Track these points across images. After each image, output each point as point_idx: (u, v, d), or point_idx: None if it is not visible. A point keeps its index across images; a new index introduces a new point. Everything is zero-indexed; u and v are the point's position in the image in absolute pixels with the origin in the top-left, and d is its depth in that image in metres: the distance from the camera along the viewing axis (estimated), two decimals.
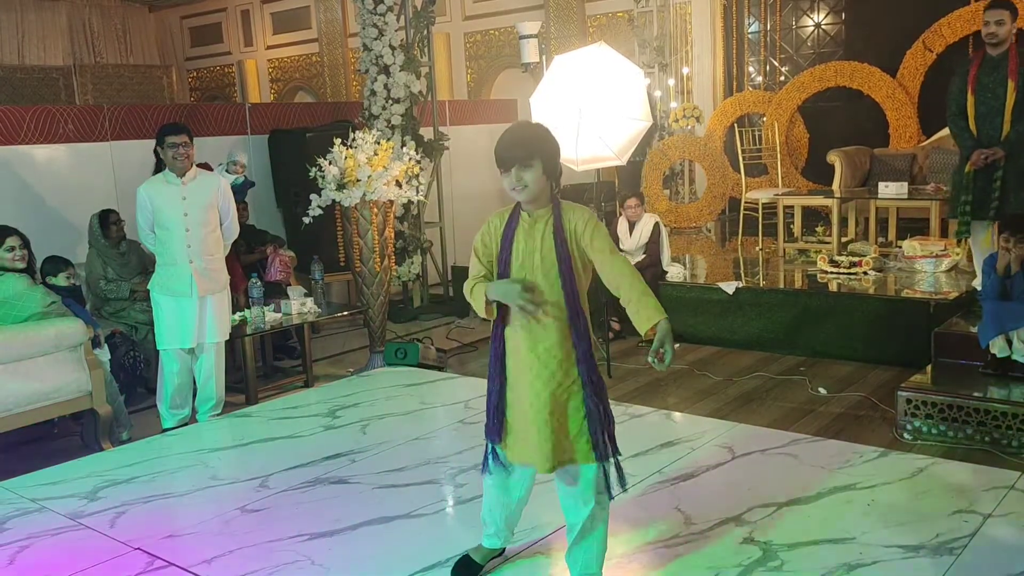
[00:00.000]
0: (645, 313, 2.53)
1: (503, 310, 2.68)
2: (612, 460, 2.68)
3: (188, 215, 4.71)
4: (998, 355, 4.34)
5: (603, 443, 2.64)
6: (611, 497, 2.73)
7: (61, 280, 4.92)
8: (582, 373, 2.63)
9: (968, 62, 5.07)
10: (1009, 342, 4.31)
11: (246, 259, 6.24)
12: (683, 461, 3.93)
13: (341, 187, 5.58)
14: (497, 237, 2.70)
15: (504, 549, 3.10)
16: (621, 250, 6.48)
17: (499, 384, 2.72)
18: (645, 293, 2.55)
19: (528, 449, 2.68)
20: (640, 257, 6.42)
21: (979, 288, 5.15)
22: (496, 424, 2.74)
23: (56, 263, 4.99)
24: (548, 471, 2.66)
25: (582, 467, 2.67)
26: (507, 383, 2.71)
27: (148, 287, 4.89)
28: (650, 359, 2.54)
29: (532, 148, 2.58)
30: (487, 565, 3.04)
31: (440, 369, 5.89)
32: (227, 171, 6.49)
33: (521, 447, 2.70)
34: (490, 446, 2.81)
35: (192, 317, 4.76)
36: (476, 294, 2.68)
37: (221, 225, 4.91)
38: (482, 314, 2.69)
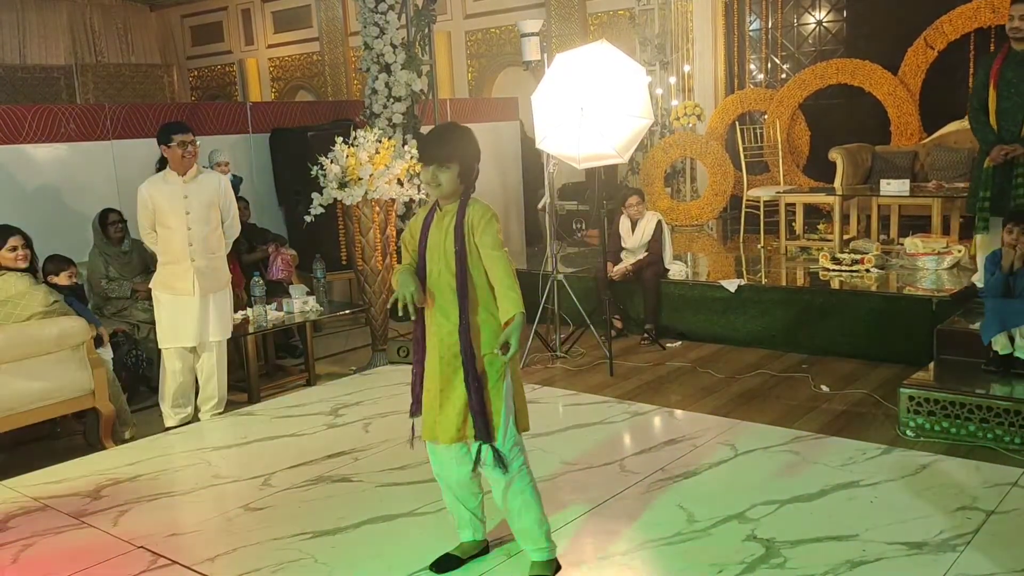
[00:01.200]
0: (505, 305, 2.73)
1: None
2: (500, 441, 2.82)
3: (190, 214, 4.71)
4: (1000, 352, 4.33)
5: (483, 428, 2.79)
6: (502, 470, 2.83)
7: (63, 279, 4.92)
8: (464, 360, 2.79)
9: (991, 56, 5.03)
10: (1011, 339, 4.30)
11: (248, 258, 6.24)
12: (685, 458, 3.94)
13: (343, 185, 5.58)
14: (418, 228, 2.92)
15: (486, 543, 3.14)
16: (623, 248, 6.52)
17: (419, 364, 2.93)
18: (510, 288, 2.74)
19: (433, 423, 2.87)
20: (642, 255, 6.42)
21: (977, 283, 5.15)
22: (418, 404, 2.94)
23: (58, 262, 4.99)
24: (447, 442, 2.84)
25: (482, 445, 2.83)
26: (425, 364, 2.91)
27: (150, 286, 4.89)
28: (496, 350, 2.73)
29: (452, 152, 2.79)
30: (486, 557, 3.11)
31: None
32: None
33: (431, 422, 2.88)
34: (413, 427, 2.99)
35: (194, 316, 4.76)
36: (393, 280, 2.95)
37: (222, 224, 4.91)
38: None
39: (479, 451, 2.83)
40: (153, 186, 4.75)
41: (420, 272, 2.87)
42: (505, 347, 2.70)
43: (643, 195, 6.69)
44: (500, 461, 2.81)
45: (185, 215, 4.71)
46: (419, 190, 5.99)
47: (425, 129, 7.65)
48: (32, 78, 13.55)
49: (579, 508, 3.48)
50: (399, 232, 6.32)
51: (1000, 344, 4.32)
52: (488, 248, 2.77)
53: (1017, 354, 4.30)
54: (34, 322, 4.46)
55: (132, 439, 4.76)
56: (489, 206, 2.86)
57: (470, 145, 2.85)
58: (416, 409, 2.96)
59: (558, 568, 2.96)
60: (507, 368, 2.83)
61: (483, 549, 3.14)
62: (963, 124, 7.18)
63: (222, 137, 7.05)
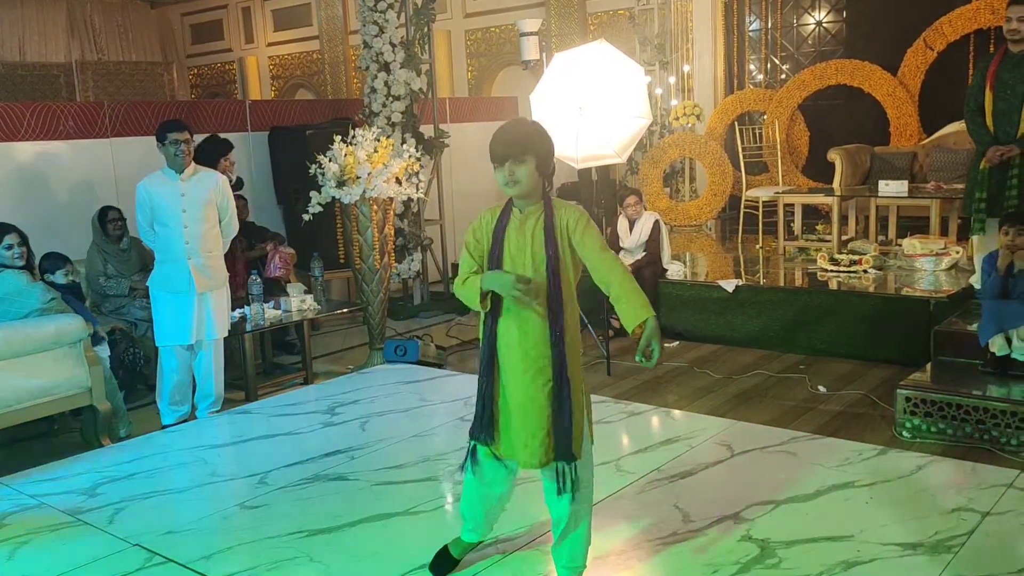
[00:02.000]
0: (633, 311, 2.55)
1: (495, 305, 2.69)
2: (583, 459, 2.69)
3: (187, 212, 4.71)
4: (997, 353, 4.33)
5: (574, 442, 2.64)
6: (580, 488, 2.71)
7: (59, 277, 4.91)
8: (555, 371, 2.64)
9: (989, 58, 5.03)
10: (1008, 340, 4.30)
11: (246, 256, 6.23)
12: (682, 458, 3.94)
13: (341, 184, 5.58)
14: (488, 233, 2.72)
15: (480, 542, 3.12)
16: (621, 248, 6.52)
17: (491, 379, 2.74)
18: (635, 291, 2.57)
19: (514, 444, 2.70)
20: (640, 255, 6.42)
21: (975, 285, 5.15)
22: (488, 419, 2.75)
23: (54, 260, 4.99)
24: (535, 467, 2.68)
25: (560, 463, 2.68)
26: (499, 378, 2.73)
27: (147, 284, 4.89)
28: (638, 358, 2.56)
29: (526, 144, 2.60)
30: (485, 556, 3.07)
31: (439, 366, 5.89)
32: None
33: (508, 441, 2.72)
34: (473, 442, 2.83)
35: (191, 314, 4.76)
36: (470, 286, 2.69)
37: (220, 222, 4.91)
38: (475, 307, 2.70)
39: (560, 471, 2.66)
40: (151, 184, 4.76)
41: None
42: (648, 353, 2.53)
43: (641, 195, 6.69)
44: (577, 481, 2.67)
45: (182, 213, 4.71)
46: (417, 189, 5.99)
47: (424, 128, 7.66)
48: (31, 75, 13.53)
49: None
50: (397, 231, 6.36)
51: (997, 345, 4.32)
52: (598, 251, 2.59)
53: (1014, 355, 4.30)
54: (31, 319, 4.46)
55: (128, 437, 4.76)
56: (582, 208, 2.72)
57: (543, 137, 2.66)
58: (487, 431, 2.74)
59: None
60: (584, 382, 2.72)
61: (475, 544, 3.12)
62: (962, 125, 7.15)
63: (221, 135, 7.04)
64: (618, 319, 6.58)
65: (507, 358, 2.69)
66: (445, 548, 3.06)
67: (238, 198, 5.15)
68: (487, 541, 3.16)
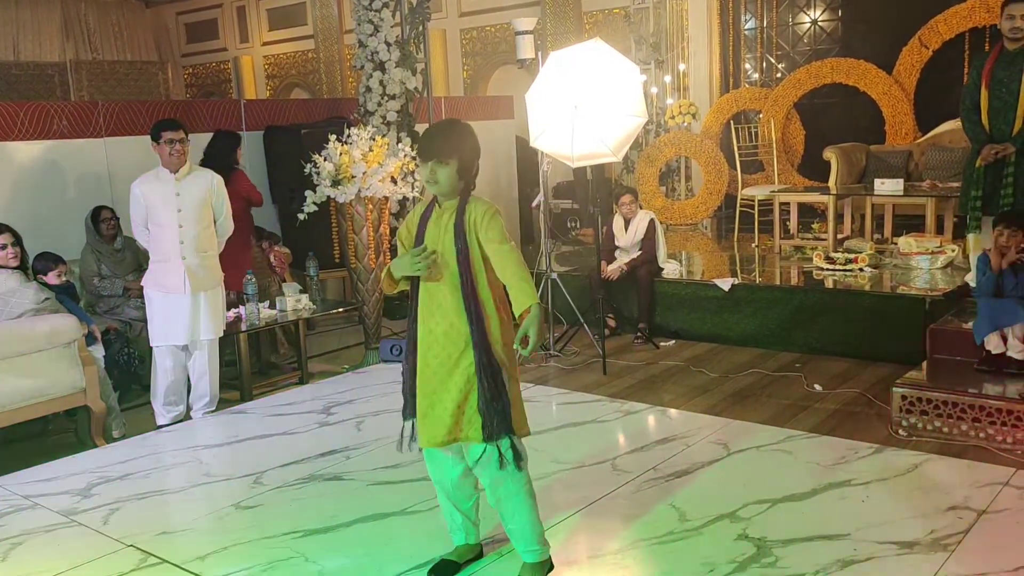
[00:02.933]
0: (519, 298, 2.67)
1: (415, 293, 2.82)
2: (506, 440, 2.75)
3: (182, 211, 4.70)
4: (993, 351, 4.34)
5: (491, 425, 2.72)
6: (501, 470, 2.76)
7: (52, 278, 4.89)
8: (476, 357, 2.72)
9: (984, 56, 5.03)
10: (1004, 338, 4.31)
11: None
12: (678, 457, 3.93)
13: (336, 183, 5.57)
14: (415, 224, 2.86)
15: (480, 547, 3.12)
16: (617, 247, 6.52)
17: (411, 366, 2.85)
18: (522, 279, 2.69)
19: (428, 427, 2.79)
20: (636, 254, 6.41)
21: (970, 283, 5.15)
22: (411, 407, 2.88)
23: (47, 261, 4.96)
24: (439, 444, 2.78)
25: (474, 447, 2.77)
26: (420, 361, 2.82)
27: (142, 283, 4.87)
28: (516, 345, 2.68)
29: (451, 148, 2.73)
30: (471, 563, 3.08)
31: None
32: None
33: (425, 427, 2.81)
34: (410, 429, 2.91)
35: (185, 314, 4.75)
36: (393, 269, 2.84)
37: (215, 222, 4.89)
38: (386, 290, 2.88)
39: (473, 450, 2.78)
40: (145, 183, 4.74)
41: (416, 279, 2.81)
42: (525, 340, 2.63)
43: (636, 194, 6.68)
44: (514, 457, 2.73)
45: (177, 213, 4.69)
46: (413, 188, 5.98)
47: (420, 128, 7.65)
48: (26, 75, 13.47)
49: (571, 507, 3.47)
50: (393, 230, 6.33)
51: (992, 343, 4.33)
52: (495, 243, 2.71)
53: (1009, 353, 4.30)
54: (25, 319, 4.45)
55: (123, 437, 4.75)
56: (491, 203, 2.81)
57: (469, 141, 2.78)
58: (410, 411, 2.89)
59: (551, 568, 2.94)
60: (514, 367, 2.78)
61: (478, 553, 3.12)
62: (957, 124, 7.15)
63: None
64: (614, 318, 6.60)
65: (423, 346, 2.79)
66: (442, 558, 3.06)
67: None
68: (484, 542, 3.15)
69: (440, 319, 2.76)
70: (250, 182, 5.91)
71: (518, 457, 2.76)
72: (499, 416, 2.72)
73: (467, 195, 2.79)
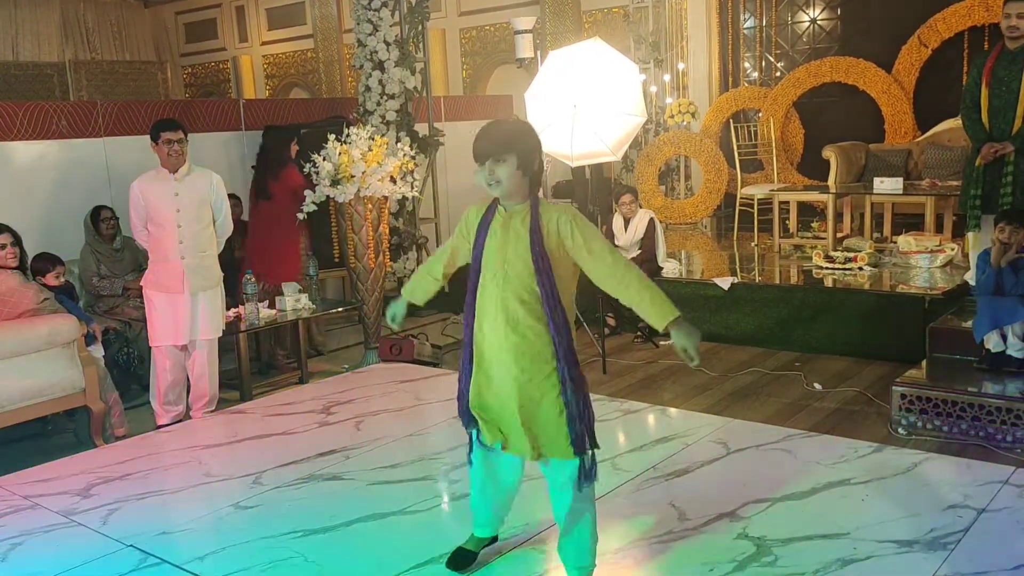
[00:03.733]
0: (659, 311, 2.58)
1: (472, 300, 2.72)
2: (589, 453, 2.67)
3: (181, 211, 4.70)
4: (992, 350, 4.34)
5: (581, 437, 2.63)
6: (585, 485, 2.68)
7: (50, 279, 4.88)
8: (560, 370, 2.62)
9: (985, 55, 5.03)
10: (1004, 337, 4.31)
11: (240, 255, 6.21)
12: (677, 456, 3.93)
13: (335, 183, 5.56)
14: (473, 228, 2.71)
15: (496, 537, 3.12)
16: (617, 246, 6.51)
17: (469, 372, 2.77)
18: (655, 291, 2.58)
19: (510, 437, 2.71)
20: (635, 253, 6.41)
21: (970, 281, 5.15)
22: (469, 412, 2.79)
23: (45, 262, 4.95)
24: (532, 459, 2.68)
25: (561, 461, 2.67)
26: (483, 372, 2.73)
27: (141, 283, 4.87)
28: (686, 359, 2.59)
29: (507, 143, 2.57)
30: (482, 554, 3.05)
31: (435, 365, 5.88)
32: None
33: (501, 433, 2.73)
34: (474, 434, 2.84)
35: (184, 314, 4.74)
36: (413, 279, 2.98)
37: (214, 222, 4.89)
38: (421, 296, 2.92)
39: (556, 464, 2.66)
40: (145, 183, 4.74)
41: (474, 277, 2.69)
42: (688, 357, 2.53)
43: (636, 193, 6.68)
44: (589, 471, 2.65)
45: (175, 212, 4.69)
46: (412, 187, 5.98)
47: (419, 127, 7.64)
48: (25, 75, 13.48)
49: None
50: (392, 230, 6.35)
51: (992, 342, 4.33)
52: (607, 252, 2.56)
53: (1009, 352, 4.30)
54: (24, 320, 4.44)
55: (124, 436, 4.74)
56: (568, 206, 2.68)
57: (528, 136, 2.62)
58: (471, 423, 2.80)
59: None
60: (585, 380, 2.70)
61: (493, 538, 3.12)
62: (957, 122, 7.16)
63: (215, 134, 7.03)
64: (613, 317, 6.59)
65: (491, 353, 2.68)
66: (460, 548, 3.04)
67: (229, 196, 5.12)
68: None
69: (509, 331, 2.61)
70: (302, 178, 5.89)
71: (592, 471, 2.68)
72: (588, 430, 2.64)
73: (536, 197, 2.63)
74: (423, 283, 2.99)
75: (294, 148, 6.11)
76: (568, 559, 2.81)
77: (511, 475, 2.87)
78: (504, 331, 2.62)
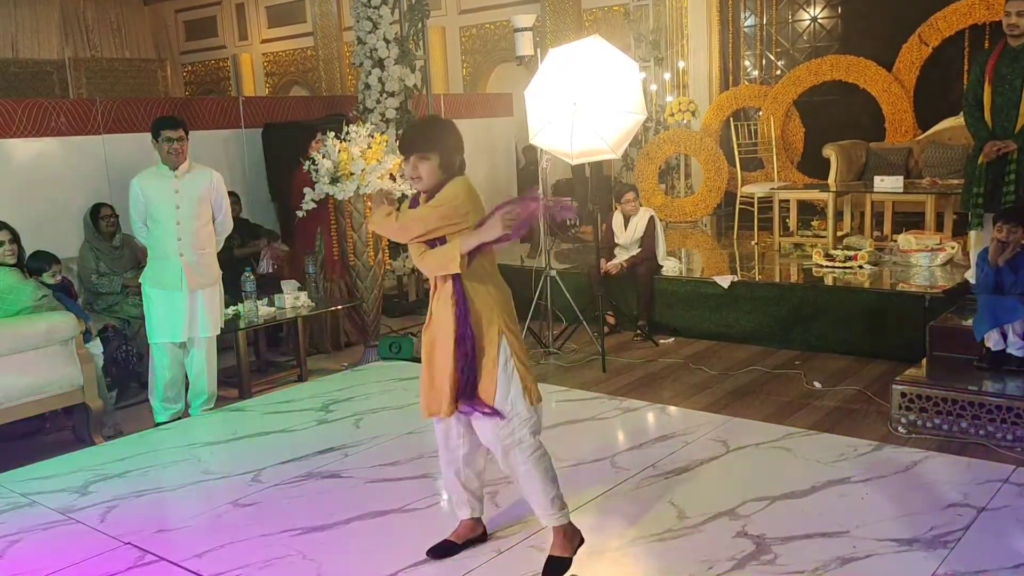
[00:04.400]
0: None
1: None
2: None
3: (180, 208, 4.69)
4: (993, 349, 4.33)
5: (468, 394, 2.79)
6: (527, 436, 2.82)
7: (46, 278, 4.86)
8: (459, 331, 2.79)
9: (987, 52, 5.02)
10: (1004, 336, 4.30)
11: (239, 252, 6.21)
12: (677, 455, 3.92)
13: (335, 181, 5.55)
14: None
15: (483, 527, 3.14)
16: (617, 244, 6.51)
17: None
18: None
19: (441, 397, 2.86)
20: (635, 251, 6.41)
21: (970, 280, 5.14)
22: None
23: (40, 260, 4.93)
24: (448, 414, 2.86)
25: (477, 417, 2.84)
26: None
27: (139, 280, 4.86)
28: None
29: (430, 141, 2.74)
30: (477, 551, 3.09)
31: None
32: None
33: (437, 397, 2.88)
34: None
35: (182, 311, 4.73)
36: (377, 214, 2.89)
37: (214, 220, 4.88)
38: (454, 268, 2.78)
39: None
40: (145, 180, 4.73)
41: None
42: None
43: (638, 191, 6.67)
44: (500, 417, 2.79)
45: (175, 210, 4.68)
46: (411, 186, 5.96)
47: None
48: (24, 72, 13.47)
49: (570, 504, 3.44)
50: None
51: (992, 340, 4.32)
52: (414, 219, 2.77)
53: (1009, 350, 4.30)
54: (22, 317, 4.44)
55: (121, 434, 4.73)
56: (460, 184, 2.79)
57: (450, 135, 2.79)
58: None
59: (581, 541, 2.94)
60: (504, 341, 2.81)
61: (481, 535, 3.14)
62: (957, 120, 7.17)
63: (214, 132, 7.02)
64: (614, 315, 6.58)
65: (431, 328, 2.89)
66: (444, 540, 3.10)
67: (229, 194, 5.11)
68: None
69: (443, 299, 2.82)
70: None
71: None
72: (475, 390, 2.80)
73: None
74: None
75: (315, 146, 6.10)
76: (535, 510, 2.94)
77: (461, 443, 3.00)
78: (439, 302, 2.84)
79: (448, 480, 3.08)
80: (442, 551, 3.07)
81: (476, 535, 3.13)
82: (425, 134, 2.77)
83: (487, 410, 2.79)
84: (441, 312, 2.82)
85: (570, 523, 2.93)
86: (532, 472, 2.84)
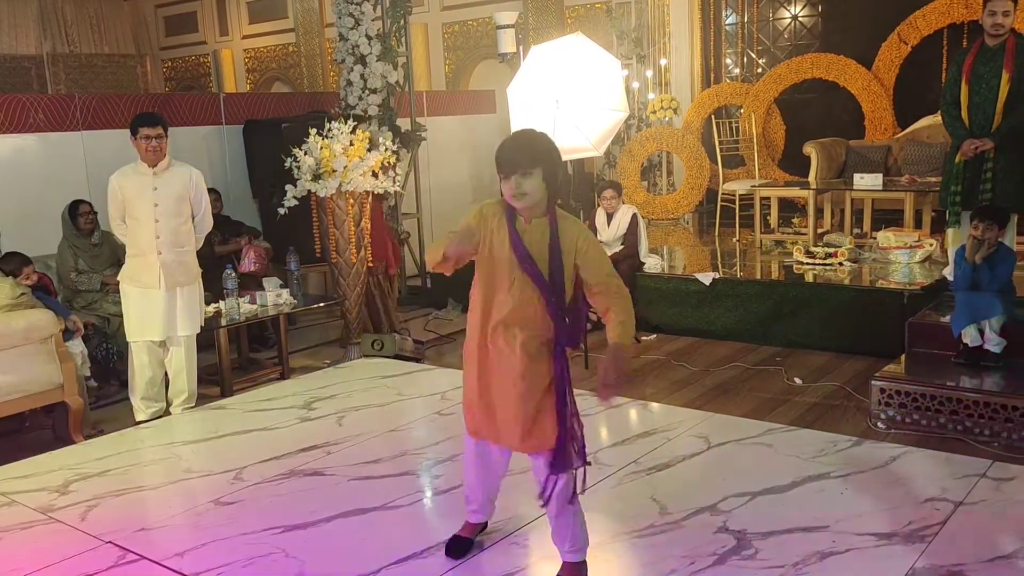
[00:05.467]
0: (621, 331, 2.66)
1: (484, 302, 2.72)
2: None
3: (158, 206, 4.65)
4: (970, 345, 4.38)
5: (563, 456, 2.69)
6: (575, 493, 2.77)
7: (22, 281, 4.80)
8: (557, 386, 2.69)
9: (964, 51, 5.06)
10: (981, 332, 4.35)
11: (220, 250, 6.18)
12: (659, 451, 3.94)
13: (317, 177, 5.54)
14: (490, 228, 2.70)
15: (487, 523, 3.16)
16: (600, 241, 6.50)
17: (474, 380, 2.80)
18: (630, 315, 2.68)
19: (502, 429, 2.77)
20: (618, 248, 6.42)
21: (948, 277, 5.20)
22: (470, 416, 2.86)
23: (11, 262, 4.87)
24: (521, 450, 2.77)
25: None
26: (487, 367, 2.76)
27: (118, 278, 4.82)
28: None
29: (534, 156, 2.60)
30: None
31: (417, 360, 5.87)
32: None
33: (494, 427, 2.79)
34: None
35: (160, 309, 4.69)
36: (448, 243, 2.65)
37: (193, 218, 4.84)
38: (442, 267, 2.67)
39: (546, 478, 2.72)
40: (123, 176, 4.69)
41: (486, 280, 2.71)
42: (606, 378, 2.59)
43: (619, 188, 6.68)
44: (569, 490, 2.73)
45: (153, 207, 4.64)
46: (394, 182, 5.96)
47: (401, 122, 7.62)
48: (2, 68, 13.33)
49: None
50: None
51: (970, 336, 4.37)
52: (607, 276, 2.66)
53: (986, 346, 4.34)
54: (1, 315, 4.39)
55: (101, 433, 4.70)
56: (582, 223, 2.75)
57: (552, 150, 2.66)
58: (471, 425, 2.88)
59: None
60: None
61: (483, 525, 3.16)
62: (936, 119, 7.24)
63: (194, 128, 6.98)
64: (596, 313, 6.59)
65: (499, 363, 2.73)
66: (456, 535, 3.10)
67: (208, 191, 5.07)
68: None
69: (518, 330, 2.67)
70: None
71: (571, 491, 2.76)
72: (565, 451, 2.70)
73: (554, 209, 2.67)
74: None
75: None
76: (558, 542, 2.86)
77: (502, 462, 2.95)
78: (513, 334, 2.67)
79: (474, 492, 3.03)
80: (460, 549, 3.05)
81: (481, 528, 3.16)
82: (526, 148, 2.62)
83: (552, 457, 2.70)
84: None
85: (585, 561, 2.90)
86: (579, 508, 2.80)
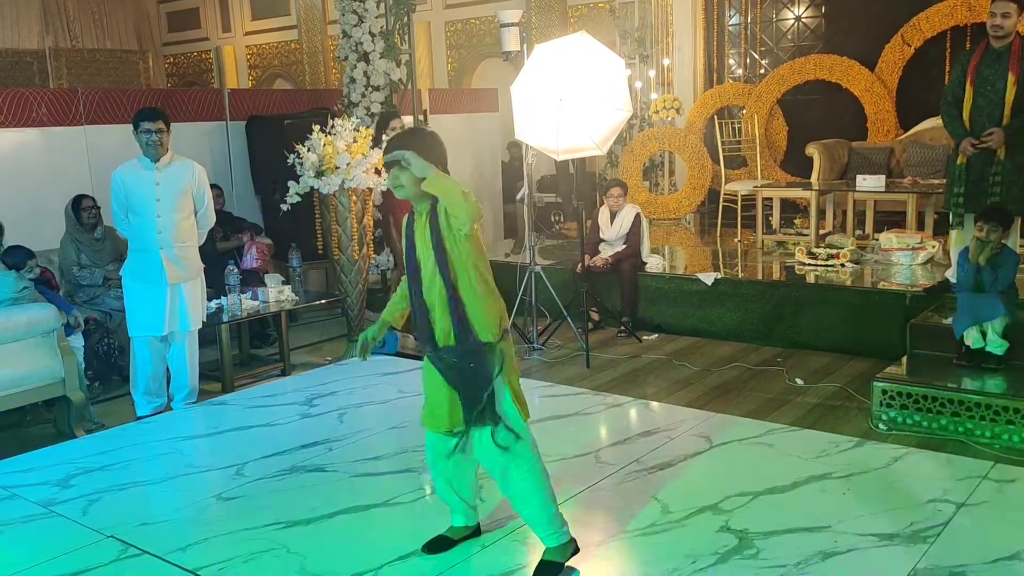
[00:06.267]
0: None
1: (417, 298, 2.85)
2: (496, 424, 2.79)
3: (160, 201, 4.65)
4: (972, 346, 4.38)
5: (479, 412, 2.77)
6: (520, 455, 2.82)
7: (24, 274, 4.79)
8: (459, 348, 2.77)
9: (969, 53, 5.06)
10: (983, 333, 4.35)
11: (223, 246, 6.17)
12: (661, 450, 3.94)
13: (319, 174, 5.53)
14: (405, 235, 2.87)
15: (478, 527, 3.15)
16: (602, 239, 6.52)
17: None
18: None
19: (433, 417, 2.88)
20: (620, 247, 6.42)
21: (951, 279, 5.20)
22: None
23: (16, 256, 4.87)
24: (446, 432, 2.87)
25: (472, 432, 2.82)
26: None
27: (120, 273, 4.82)
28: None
29: (408, 150, 2.71)
30: (464, 546, 3.09)
31: (418, 358, 5.85)
32: None
33: (430, 417, 2.89)
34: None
35: (163, 304, 4.70)
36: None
37: (195, 213, 4.85)
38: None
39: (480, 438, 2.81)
40: (126, 171, 4.69)
41: (412, 280, 2.83)
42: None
43: (625, 187, 6.68)
44: (503, 439, 2.78)
45: (155, 202, 4.64)
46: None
47: (406, 120, 7.61)
48: (4, 62, 13.32)
49: None
50: (376, 222, 6.34)
51: (972, 338, 4.37)
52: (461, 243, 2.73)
53: (988, 348, 4.34)
54: (2, 309, 4.39)
55: (89, 432, 4.69)
56: None
57: (430, 144, 2.77)
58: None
59: (576, 550, 2.93)
60: (504, 356, 2.81)
61: (475, 530, 3.15)
62: (939, 121, 7.21)
63: (198, 124, 6.98)
64: (597, 312, 6.59)
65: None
66: (440, 535, 3.11)
67: (211, 187, 5.08)
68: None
69: (437, 320, 2.80)
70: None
71: (503, 440, 2.78)
72: (488, 403, 2.77)
73: (436, 199, 2.73)
74: (401, 305, 3.04)
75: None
76: (534, 530, 2.91)
77: (448, 457, 2.98)
78: (437, 324, 2.80)
79: (439, 488, 3.09)
80: (437, 547, 3.07)
81: (471, 533, 3.14)
82: (402, 144, 2.74)
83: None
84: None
85: (573, 539, 2.92)
86: (529, 490, 2.83)
